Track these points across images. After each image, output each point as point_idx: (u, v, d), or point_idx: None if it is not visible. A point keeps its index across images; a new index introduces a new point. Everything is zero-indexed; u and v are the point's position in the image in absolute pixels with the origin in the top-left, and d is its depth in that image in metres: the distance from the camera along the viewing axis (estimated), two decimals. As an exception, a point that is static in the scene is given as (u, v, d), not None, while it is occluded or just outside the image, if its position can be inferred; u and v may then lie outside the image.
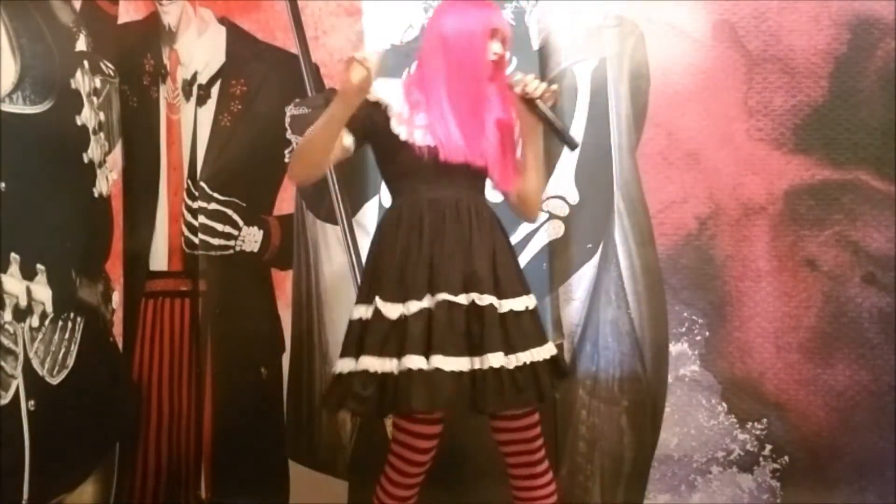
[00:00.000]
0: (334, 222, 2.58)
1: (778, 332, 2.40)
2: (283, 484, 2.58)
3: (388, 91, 1.84)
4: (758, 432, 2.42)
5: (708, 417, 2.43)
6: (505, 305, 1.74)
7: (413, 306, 1.71)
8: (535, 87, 1.78)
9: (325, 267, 2.59)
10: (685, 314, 2.43)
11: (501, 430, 1.80)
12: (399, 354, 1.69)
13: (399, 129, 1.81)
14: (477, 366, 1.69)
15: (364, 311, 1.77)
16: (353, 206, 2.57)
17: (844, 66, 2.39)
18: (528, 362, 1.72)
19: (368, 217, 2.56)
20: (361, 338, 1.74)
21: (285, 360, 2.60)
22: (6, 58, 1.90)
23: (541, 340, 1.79)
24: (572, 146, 1.83)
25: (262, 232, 2.62)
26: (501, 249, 1.81)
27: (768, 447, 2.41)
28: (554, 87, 1.82)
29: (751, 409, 2.41)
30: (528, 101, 1.79)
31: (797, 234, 2.41)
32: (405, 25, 2.55)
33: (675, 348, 2.44)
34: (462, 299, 1.71)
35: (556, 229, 2.48)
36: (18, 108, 1.94)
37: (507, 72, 1.91)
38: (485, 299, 1.72)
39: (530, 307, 1.80)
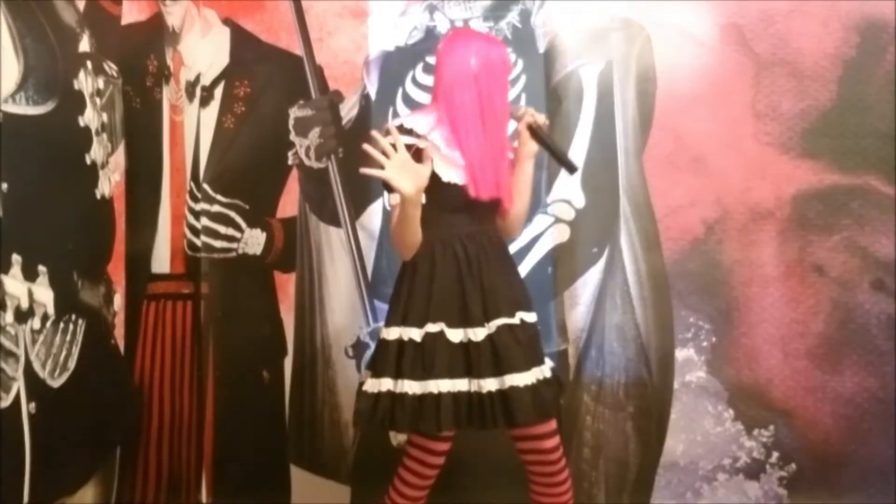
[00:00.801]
0: (338, 225, 2.56)
1: (785, 339, 2.39)
2: (284, 488, 2.57)
3: (423, 130, 1.84)
4: (765, 439, 2.40)
5: (714, 424, 2.41)
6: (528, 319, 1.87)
7: (480, 332, 1.81)
8: (542, 117, 1.87)
9: (328, 270, 2.58)
10: (692, 319, 2.42)
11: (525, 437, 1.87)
12: (469, 375, 1.80)
13: (440, 169, 1.82)
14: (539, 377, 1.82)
15: (414, 334, 1.81)
16: (357, 208, 2.55)
17: (853, 70, 2.37)
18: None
19: (372, 220, 2.55)
20: (420, 359, 1.80)
21: (287, 363, 2.59)
22: (9, 58, 1.90)
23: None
24: (572, 170, 1.90)
25: (264, 234, 2.61)
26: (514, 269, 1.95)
27: (775, 454, 2.39)
28: (543, 118, 1.88)
29: (758, 416, 2.39)
30: (532, 130, 1.87)
31: (805, 240, 2.39)
32: (410, 27, 2.54)
33: (681, 354, 2.42)
34: (516, 319, 1.83)
35: (561, 233, 2.47)
36: (21, 108, 1.93)
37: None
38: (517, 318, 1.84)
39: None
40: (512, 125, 1.90)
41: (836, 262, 2.38)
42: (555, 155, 1.91)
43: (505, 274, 1.87)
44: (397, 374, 1.80)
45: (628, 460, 2.43)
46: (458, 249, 1.83)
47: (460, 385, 1.79)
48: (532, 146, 1.88)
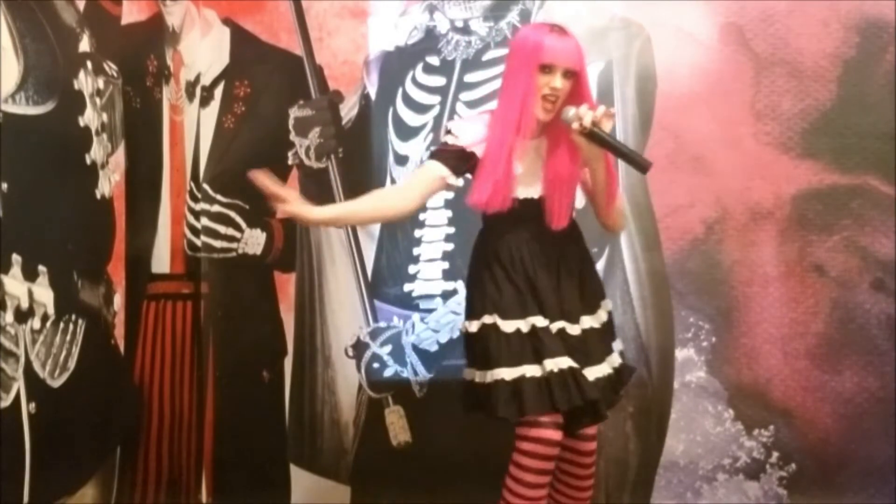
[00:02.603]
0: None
1: (785, 339, 2.39)
2: (284, 488, 2.57)
3: (468, 140, 1.84)
4: (764, 439, 2.40)
5: (714, 424, 2.41)
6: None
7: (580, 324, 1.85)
8: (590, 118, 1.73)
9: (327, 270, 2.58)
10: (691, 319, 2.42)
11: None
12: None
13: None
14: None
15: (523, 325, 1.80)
16: (357, 208, 2.55)
17: (853, 70, 2.37)
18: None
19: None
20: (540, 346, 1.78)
21: (287, 363, 2.59)
22: (9, 58, 1.89)
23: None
24: (644, 168, 1.76)
25: (264, 234, 2.61)
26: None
27: (775, 454, 2.39)
28: (611, 110, 1.77)
29: (758, 416, 2.39)
30: (587, 134, 1.74)
31: (805, 240, 2.39)
32: (410, 27, 2.54)
33: (681, 354, 2.42)
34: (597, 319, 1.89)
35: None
36: (21, 108, 1.93)
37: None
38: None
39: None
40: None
41: (836, 262, 2.38)
42: (620, 154, 1.77)
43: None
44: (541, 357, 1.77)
45: (628, 460, 2.43)
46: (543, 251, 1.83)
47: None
48: (593, 150, 1.76)
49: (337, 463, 2.56)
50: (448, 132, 1.87)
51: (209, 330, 2.61)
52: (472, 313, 1.86)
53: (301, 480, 2.56)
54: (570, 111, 1.75)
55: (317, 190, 2.56)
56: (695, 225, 2.43)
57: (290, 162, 2.58)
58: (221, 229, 2.62)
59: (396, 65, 2.54)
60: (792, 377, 2.39)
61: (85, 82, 2.19)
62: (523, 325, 1.78)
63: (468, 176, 1.88)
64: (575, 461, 1.87)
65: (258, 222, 2.61)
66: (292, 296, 2.59)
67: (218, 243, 2.62)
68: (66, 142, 2.13)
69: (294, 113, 2.58)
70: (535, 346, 1.76)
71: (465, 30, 2.51)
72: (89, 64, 2.24)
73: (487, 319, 1.80)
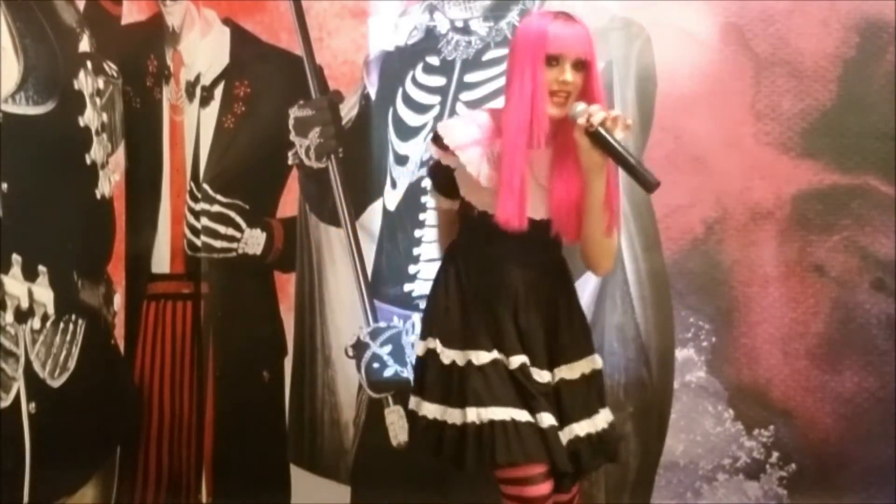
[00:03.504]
0: (338, 225, 2.56)
1: (785, 339, 2.38)
2: (284, 488, 2.56)
3: (456, 142, 1.64)
4: (764, 439, 2.40)
5: (714, 424, 2.41)
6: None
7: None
8: (601, 117, 1.50)
9: (328, 270, 2.58)
10: (691, 320, 2.42)
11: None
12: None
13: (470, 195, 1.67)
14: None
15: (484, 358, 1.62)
16: (357, 209, 2.55)
17: (853, 70, 2.37)
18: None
19: (372, 220, 2.55)
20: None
21: (287, 363, 2.59)
22: (9, 58, 1.90)
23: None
24: (651, 187, 1.52)
25: (264, 234, 2.61)
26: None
27: (775, 454, 2.39)
28: (625, 118, 1.54)
29: (758, 416, 2.39)
30: (593, 135, 1.51)
31: (805, 240, 2.39)
32: (410, 27, 2.54)
33: (681, 354, 2.42)
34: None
35: (561, 233, 2.46)
36: (21, 108, 1.93)
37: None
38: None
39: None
40: None
41: (836, 262, 2.37)
42: (625, 166, 1.51)
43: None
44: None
45: (628, 460, 2.43)
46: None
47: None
48: (594, 157, 1.52)
49: (337, 463, 2.56)
50: (434, 137, 1.66)
51: (209, 330, 2.61)
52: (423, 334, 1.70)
53: (301, 480, 2.56)
54: (580, 105, 1.53)
55: (317, 190, 2.56)
56: (695, 225, 2.43)
57: (290, 162, 2.58)
58: (221, 229, 2.61)
59: (396, 65, 2.54)
60: (792, 377, 2.39)
61: (85, 82, 2.20)
62: (459, 357, 1.59)
63: None
64: None
65: (258, 222, 2.61)
66: (292, 296, 2.59)
67: (218, 243, 2.62)
68: (66, 142, 2.13)
69: (294, 113, 2.58)
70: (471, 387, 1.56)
71: (465, 30, 2.51)
72: (89, 64, 2.24)
73: (431, 344, 1.64)
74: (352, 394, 2.55)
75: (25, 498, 1.90)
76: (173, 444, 2.56)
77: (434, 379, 1.62)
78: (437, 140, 1.65)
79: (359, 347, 2.54)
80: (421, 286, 2.49)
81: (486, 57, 2.49)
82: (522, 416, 1.57)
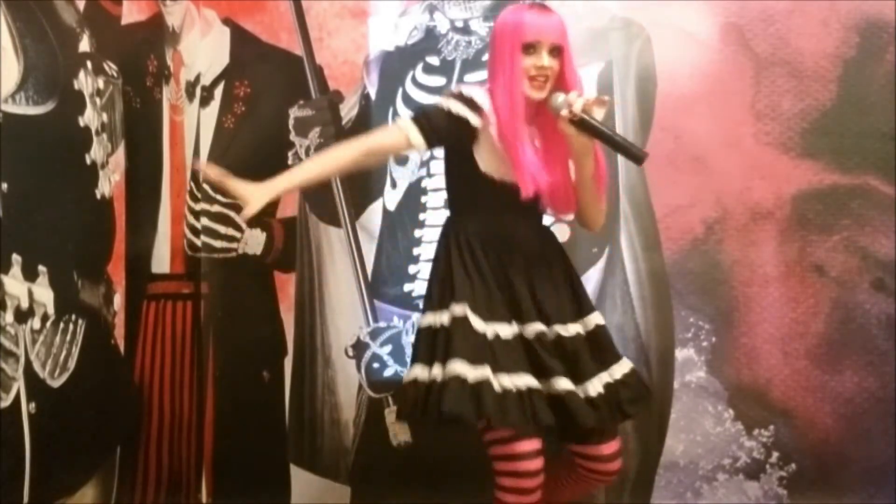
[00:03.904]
0: (338, 225, 2.56)
1: (785, 339, 2.39)
2: (284, 488, 2.56)
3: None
4: (764, 439, 2.40)
5: (714, 424, 2.41)
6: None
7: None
8: (581, 104, 1.60)
9: (328, 270, 2.58)
10: (691, 319, 2.42)
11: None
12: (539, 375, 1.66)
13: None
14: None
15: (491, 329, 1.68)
16: (357, 209, 2.55)
17: (853, 70, 2.37)
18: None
19: (372, 220, 2.55)
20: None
21: (287, 363, 2.59)
22: (9, 58, 1.89)
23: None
24: (639, 159, 1.64)
25: (264, 234, 2.61)
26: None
27: (775, 454, 2.39)
28: (604, 96, 1.66)
29: (758, 416, 2.39)
30: (578, 122, 1.61)
31: (805, 240, 2.39)
32: (410, 27, 2.54)
33: (681, 354, 2.42)
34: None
35: (561, 233, 2.45)
36: (21, 108, 1.93)
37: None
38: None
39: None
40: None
41: (836, 262, 2.38)
42: (613, 144, 1.63)
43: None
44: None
45: (628, 460, 2.42)
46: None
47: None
48: (583, 140, 1.63)
49: (337, 463, 2.56)
50: (465, 99, 1.69)
51: (209, 330, 2.61)
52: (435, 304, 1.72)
53: (301, 480, 2.56)
54: (559, 97, 1.64)
55: (317, 190, 2.56)
56: (695, 225, 2.43)
57: (289, 162, 2.58)
58: (221, 229, 2.61)
59: (396, 65, 2.54)
60: (792, 377, 2.39)
61: (85, 82, 2.19)
62: (488, 329, 1.64)
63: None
64: (599, 479, 1.79)
65: (258, 222, 2.60)
66: (292, 296, 2.59)
67: (218, 243, 2.62)
68: (66, 142, 2.13)
69: (294, 113, 2.57)
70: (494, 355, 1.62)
71: (465, 30, 2.51)
72: (89, 64, 2.24)
73: (457, 311, 1.65)
74: (352, 394, 2.55)
75: (25, 498, 1.90)
76: (173, 444, 2.56)
77: (464, 343, 1.63)
78: (469, 102, 1.69)
79: (359, 347, 2.54)
80: (421, 286, 2.49)
81: (486, 57, 2.49)
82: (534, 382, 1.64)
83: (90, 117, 2.21)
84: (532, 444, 1.64)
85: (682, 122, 2.43)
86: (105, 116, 2.32)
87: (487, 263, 1.70)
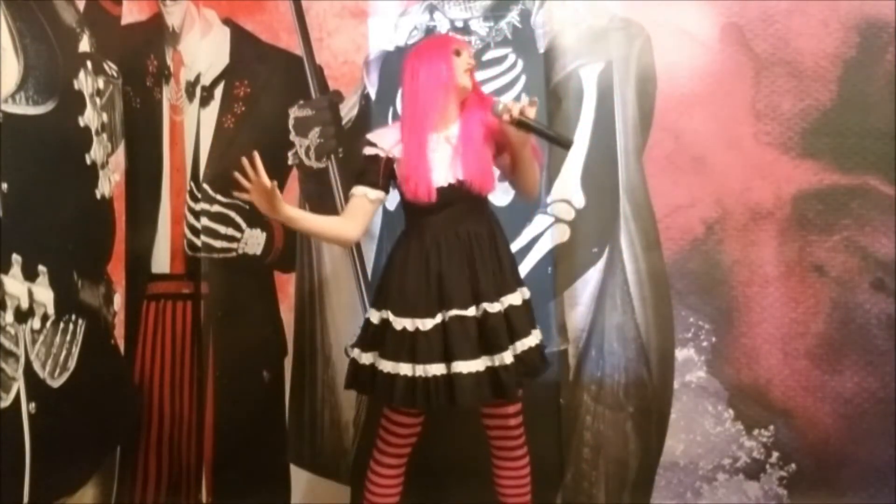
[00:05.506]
0: (338, 225, 2.56)
1: (785, 339, 2.39)
2: (284, 488, 2.57)
3: (386, 145, 2.02)
4: (764, 439, 2.40)
5: (714, 424, 2.41)
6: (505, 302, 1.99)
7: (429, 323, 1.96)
8: (517, 109, 1.92)
9: (327, 270, 2.58)
10: (691, 319, 2.42)
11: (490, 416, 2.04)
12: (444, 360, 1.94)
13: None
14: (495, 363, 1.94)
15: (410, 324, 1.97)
16: (357, 208, 2.55)
17: (853, 70, 2.37)
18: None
19: (372, 220, 2.55)
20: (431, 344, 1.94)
21: (287, 363, 2.59)
22: (9, 58, 1.89)
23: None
24: (567, 146, 1.98)
25: (264, 234, 2.61)
26: (502, 257, 2.04)
27: (775, 454, 2.39)
28: (534, 98, 1.95)
29: (758, 416, 2.39)
30: (516, 123, 1.92)
31: (805, 240, 2.39)
32: (410, 27, 2.54)
33: (681, 354, 2.42)
34: (472, 311, 1.96)
35: (561, 233, 2.47)
36: (21, 108, 1.93)
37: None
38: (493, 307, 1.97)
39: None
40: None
41: (836, 262, 2.38)
42: (545, 137, 1.97)
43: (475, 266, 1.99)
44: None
45: (628, 460, 2.43)
46: (438, 244, 1.98)
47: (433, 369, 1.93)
48: (520, 136, 1.95)
49: (337, 463, 2.56)
50: (366, 143, 2.04)
51: (209, 330, 2.61)
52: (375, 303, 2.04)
53: (301, 480, 2.56)
54: (500, 105, 1.94)
55: (317, 190, 2.56)
56: (695, 225, 2.43)
57: (290, 162, 2.58)
58: (221, 229, 2.62)
59: (396, 65, 2.53)
60: (792, 377, 2.39)
61: (85, 82, 2.19)
62: (408, 323, 1.94)
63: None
64: (503, 435, 2.02)
65: (258, 222, 2.61)
66: (292, 296, 2.59)
67: (218, 243, 2.62)
68: (66, 142, 2.13)
69: (294, 113, 2.58)
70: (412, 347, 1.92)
71: (465, 30, 2.51)
72: (89, 64, 2.24)
73: (385, 314, 1.97)
74: (352, 394, 2.54)
75: (25, 498, 1.90)
76: (173, 444, 2.56)
77: (388, 341, 1.97)
78: (373, 145, 2.03)
79: (359, 347, 2.54)
80: (421, 286, 2.49)
81: (486, 57, 2.49)
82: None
83: (90, 117, 2.21)
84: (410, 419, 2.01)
85: (682, 122, 2.43)
86: (105, 116, 2.32)
87: (425, 264, 1.97)
